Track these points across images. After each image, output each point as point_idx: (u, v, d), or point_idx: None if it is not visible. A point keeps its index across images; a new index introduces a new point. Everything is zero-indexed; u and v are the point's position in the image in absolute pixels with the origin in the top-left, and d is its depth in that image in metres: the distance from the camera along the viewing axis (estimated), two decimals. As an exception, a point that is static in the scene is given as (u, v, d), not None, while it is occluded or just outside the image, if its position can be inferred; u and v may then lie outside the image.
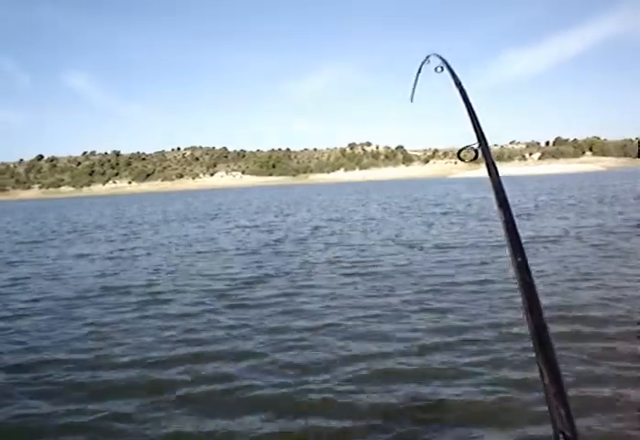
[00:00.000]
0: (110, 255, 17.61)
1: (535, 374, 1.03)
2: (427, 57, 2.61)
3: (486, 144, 1.78)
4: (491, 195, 1.53)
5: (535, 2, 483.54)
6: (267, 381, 5.88)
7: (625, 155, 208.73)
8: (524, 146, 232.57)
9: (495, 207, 1.48)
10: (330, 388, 5.62)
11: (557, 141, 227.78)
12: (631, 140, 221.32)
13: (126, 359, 6.82)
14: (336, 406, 5.21)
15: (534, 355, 1.11)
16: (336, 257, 14.37)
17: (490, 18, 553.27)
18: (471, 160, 1.81)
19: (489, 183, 1.59)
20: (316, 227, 23.40)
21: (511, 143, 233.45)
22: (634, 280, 9.58)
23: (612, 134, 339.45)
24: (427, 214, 27.88)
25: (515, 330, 6.91)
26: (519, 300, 1.20)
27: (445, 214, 27.17)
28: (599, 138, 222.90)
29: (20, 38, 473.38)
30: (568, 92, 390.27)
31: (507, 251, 1.33)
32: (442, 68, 2.33)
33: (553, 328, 5.74)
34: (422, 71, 2.89)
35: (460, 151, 1.83)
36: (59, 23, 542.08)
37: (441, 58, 2.39)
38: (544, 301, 1.17)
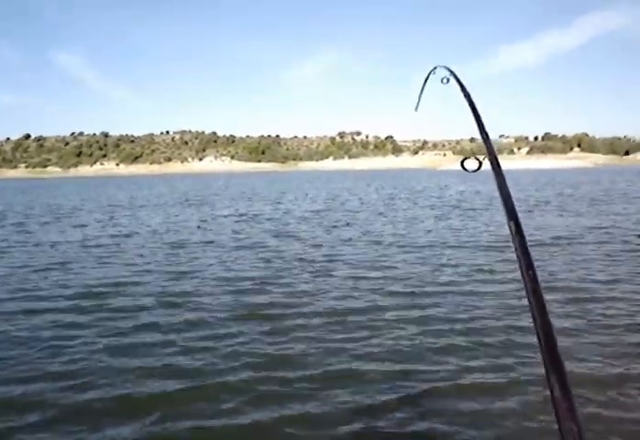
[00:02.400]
0: (91, 243, 16.99)
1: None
2: (434, 68, 2.69)
3: (496, 158, 1.73)
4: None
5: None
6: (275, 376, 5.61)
7: (613, 152, 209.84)
8: (512, 140, 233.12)
9: (507, 231, 1.44)
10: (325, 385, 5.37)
11: (546, 136, 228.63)
12: (619, 138, 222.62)
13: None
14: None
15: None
16: (327, 255, 14.06)
17: (483, 14, 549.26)
18: (474, 171, 1.81)
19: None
20: (305, 218, 23.06)
21: (500, 137, 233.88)
22: None
23: (601, 131, 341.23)
24: (434, 207, 27.66)
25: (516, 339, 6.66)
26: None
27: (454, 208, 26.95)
28: (587, 135, 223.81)
29: (11, 17, 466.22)
30: (558, 88, 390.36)
31: (520, 273, 1.30)
32: (448, 79, 2.38)
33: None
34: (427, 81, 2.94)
35: (463, 161, 1.84)
36: (50, 3, 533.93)
37: (449, 69, 2.43)
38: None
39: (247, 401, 5.24)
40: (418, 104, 3.24)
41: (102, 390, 5.50)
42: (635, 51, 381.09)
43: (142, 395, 5.40)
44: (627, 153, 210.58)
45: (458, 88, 2.28)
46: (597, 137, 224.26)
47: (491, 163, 1.70)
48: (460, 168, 1.82)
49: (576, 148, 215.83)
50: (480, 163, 1.77)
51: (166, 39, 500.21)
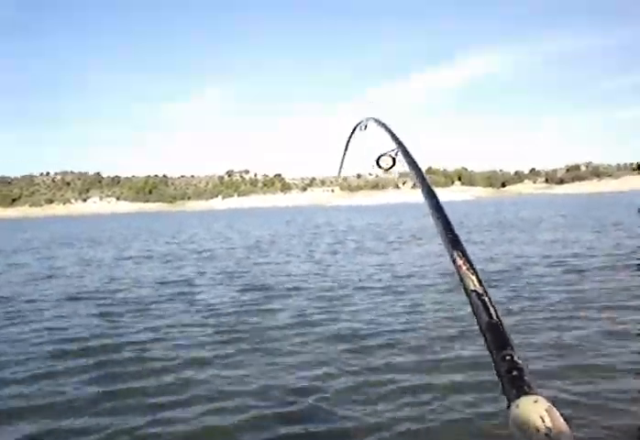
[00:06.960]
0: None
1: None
2: (360, 122, 2.42)
3: (436, 199, 1.50)
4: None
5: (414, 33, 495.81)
6: None
7: (491, 185, 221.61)
8: (397, 175, 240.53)
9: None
10: None
11: (429, 170, 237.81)
12: (495, 171, 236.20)
13: None
14: None
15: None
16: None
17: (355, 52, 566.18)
18: (387, 169, 1.86)
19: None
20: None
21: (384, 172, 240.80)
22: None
23: (478, 165, 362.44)
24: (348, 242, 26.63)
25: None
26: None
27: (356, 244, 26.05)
28: (466, 169, 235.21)
29: None
30: (437, 125, 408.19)
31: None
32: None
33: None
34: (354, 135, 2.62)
35: (379, 158, 1.85)
36: None
37: (380, 122, 2.11)
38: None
39: None
40: (341, 168, 2.81)
41: None
42: (505, 95, 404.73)
43: None
44: (504, 185, 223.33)
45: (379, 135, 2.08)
46: (475, 170, 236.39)
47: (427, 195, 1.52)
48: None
49: (457, 182, 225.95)
50: (394, 160, 1.79)
51: (35, 73, 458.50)
